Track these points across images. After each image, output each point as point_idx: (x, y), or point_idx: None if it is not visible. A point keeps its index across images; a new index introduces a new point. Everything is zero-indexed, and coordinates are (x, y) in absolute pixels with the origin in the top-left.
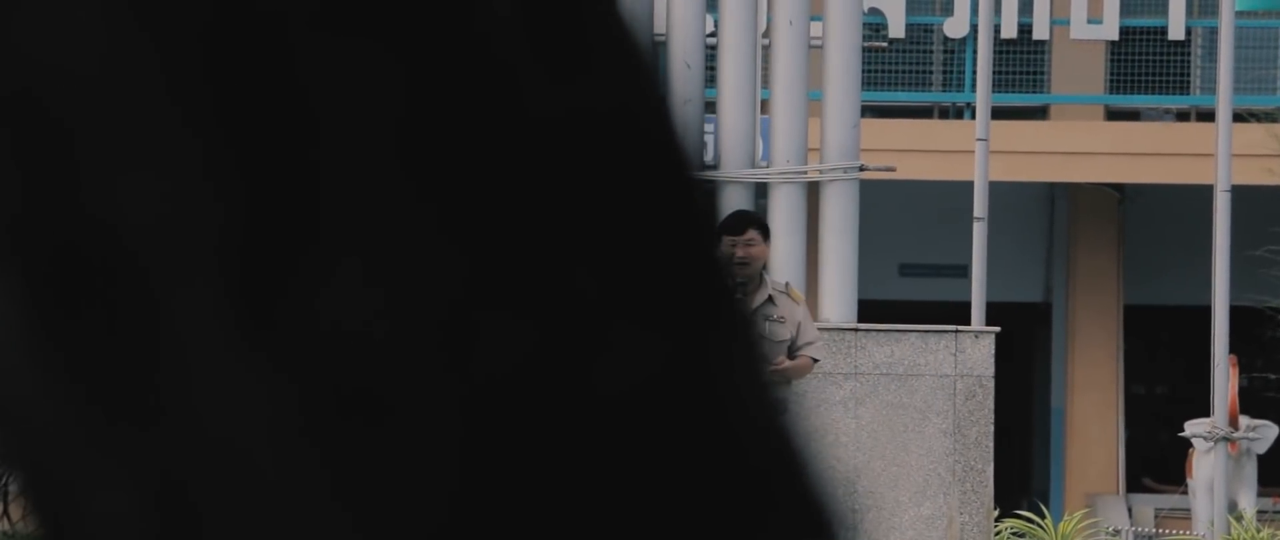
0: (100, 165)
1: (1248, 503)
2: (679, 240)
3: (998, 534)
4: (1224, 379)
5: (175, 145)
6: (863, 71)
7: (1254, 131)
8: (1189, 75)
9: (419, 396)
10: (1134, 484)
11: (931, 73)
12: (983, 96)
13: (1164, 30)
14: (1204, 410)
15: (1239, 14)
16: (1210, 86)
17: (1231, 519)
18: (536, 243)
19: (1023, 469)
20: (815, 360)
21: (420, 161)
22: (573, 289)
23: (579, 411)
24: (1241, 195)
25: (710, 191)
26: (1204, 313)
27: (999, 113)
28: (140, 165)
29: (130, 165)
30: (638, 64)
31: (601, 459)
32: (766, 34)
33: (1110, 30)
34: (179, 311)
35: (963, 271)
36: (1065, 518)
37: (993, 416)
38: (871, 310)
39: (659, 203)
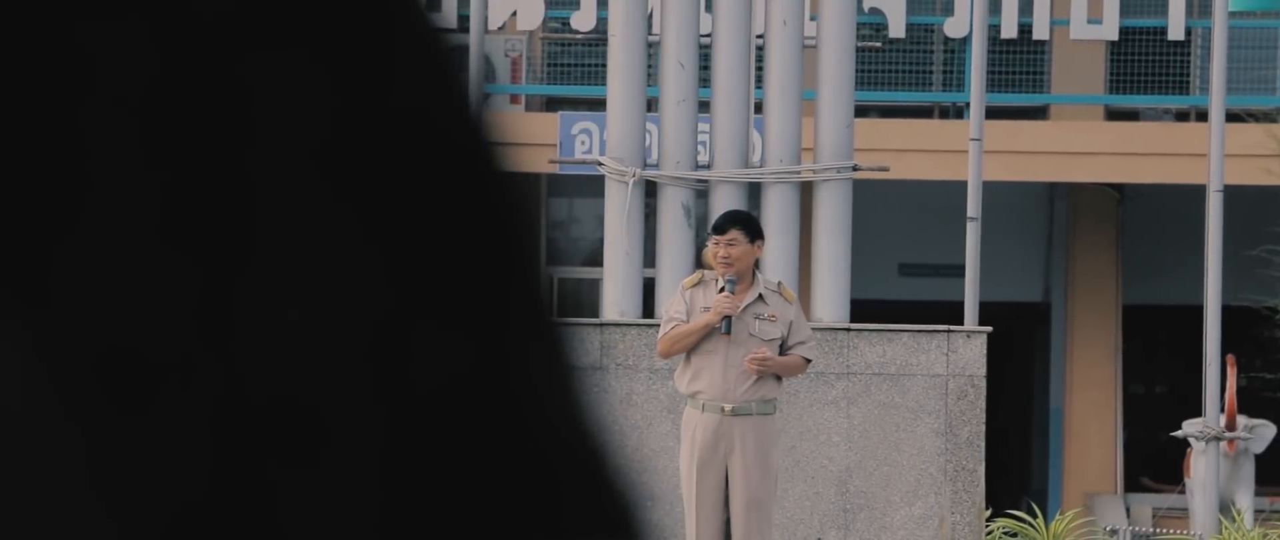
0: None
1: (1245, 502)
2: (480, 240)
3: (990, 533)
4: (1216, 379)
5: None
6: (863, 71)
7: (1253, 132)
8: (1189, 75)
9: (178, 376)
10: (1132, 483)
11: (932, 73)
12: (977, 96)
13: (1164, 30)
14: (1203, 410)
15: (1236, 14)
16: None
17: (1223, 520)
18: (301, 227)
19: (1021, 468)
20: (808, 360)
21: (167, 141)
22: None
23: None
24: (1241, 195)
25: (517, 189)
26: (1203, 313)
27: (999, 113)
28: None
29: None
30: (437, 60)
31: (393, 465)
32: (761, 34)
33: (1110, 30)
34: None
35: (963, 271)
36: (1058, 517)
37: (985, 416)
38: (871, 310)
39: (458, 202)
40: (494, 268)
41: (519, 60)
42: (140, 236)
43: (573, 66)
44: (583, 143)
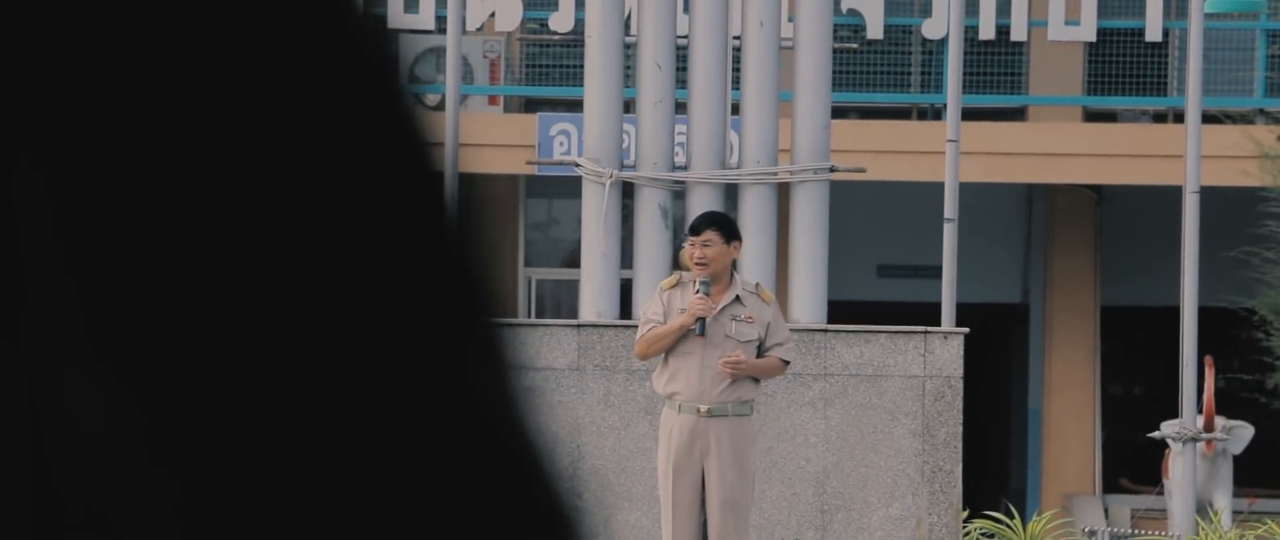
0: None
1: (1223, 503)
2: (413, 238)
3: (967, 534)
4: (1192, 380)
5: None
6: (841, 73)
7: (1230, 133)
8: (1166, 77)
9: (114, 374)
10: (1111, 484)
11: (910, 74)
12: (953, 98)
13: (1141, 32)
14: (1180, 411)
15: (1213, 16)
16: None
17: (1200, 521)
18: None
19: (1000, 469)
20: (785, 362)
21: (103, 143)
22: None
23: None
24: (1218, 196)
25: (450, 187)
26: (1180, 314)
27: (977, 114)
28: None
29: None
30: (374, 60)
31: (325, 462)
32: (738, 35)
33: (1088, 32)
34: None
35: (940, 273)
36: (1036, 518)
37: (961, 417)
38: (849, 311)
39: (393, 201)
40: (429, 267)
41: (497, 61)
42: (80, 237)
43: (551, 67)
44: (561, 144)
